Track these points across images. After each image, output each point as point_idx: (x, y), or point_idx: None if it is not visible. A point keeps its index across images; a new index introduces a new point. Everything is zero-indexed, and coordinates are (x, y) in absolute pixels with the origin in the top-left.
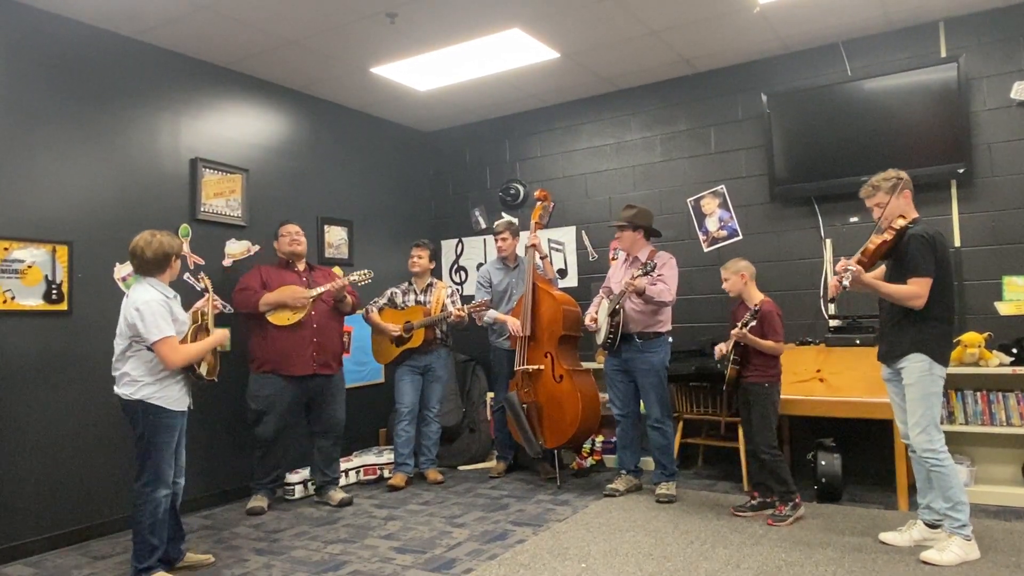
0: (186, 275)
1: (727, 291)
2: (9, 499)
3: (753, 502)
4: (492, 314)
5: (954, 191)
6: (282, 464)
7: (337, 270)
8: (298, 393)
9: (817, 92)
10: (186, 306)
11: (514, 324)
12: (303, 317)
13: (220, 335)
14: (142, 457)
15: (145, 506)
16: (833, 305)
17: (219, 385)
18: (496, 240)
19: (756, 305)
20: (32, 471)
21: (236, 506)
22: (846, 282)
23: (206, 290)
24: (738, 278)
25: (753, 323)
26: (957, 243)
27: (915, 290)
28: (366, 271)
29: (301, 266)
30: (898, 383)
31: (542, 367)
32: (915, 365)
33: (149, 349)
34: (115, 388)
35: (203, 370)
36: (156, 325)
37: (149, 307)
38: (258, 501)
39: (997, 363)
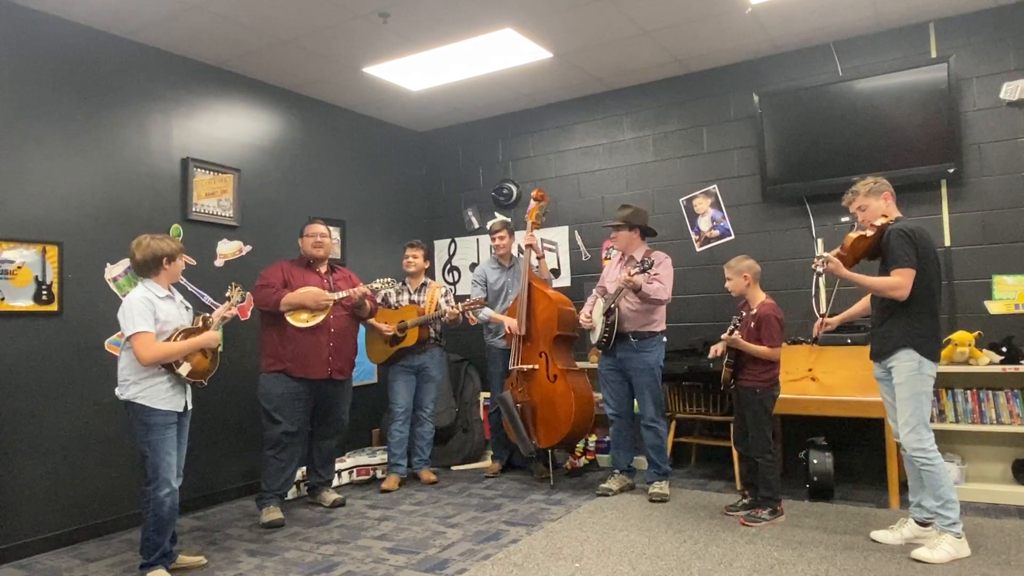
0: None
1: (729, 290)
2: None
3: (744, 501)
4: (487, 312)
5: (944, 191)
6: (293, 468)
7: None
8: (309, 396)
9: (808, 92)
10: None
11: (511, 323)
12: (322, 321)
13: (204, 338)
14: (141, 457)
15: (148, 505)
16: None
17: (211, 387)
18: (493, 239)
19: (741, 311)
20: (23, 473)
21: (228, 507)
22: (820, 269)
23: (228, 298)
24: (740, 279)
25: (737, 330)
26: (947, 242)
27: (897, 280)
28: (389, 279)
29: (323, 267)
30: (890, 382)
31: (536, 367)
32: (904, 364)
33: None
34: (116, 389)
35: (183, 370)
36: (131, 320)
37: (130, 303)
38: (273, 513)
39: (987, 362)
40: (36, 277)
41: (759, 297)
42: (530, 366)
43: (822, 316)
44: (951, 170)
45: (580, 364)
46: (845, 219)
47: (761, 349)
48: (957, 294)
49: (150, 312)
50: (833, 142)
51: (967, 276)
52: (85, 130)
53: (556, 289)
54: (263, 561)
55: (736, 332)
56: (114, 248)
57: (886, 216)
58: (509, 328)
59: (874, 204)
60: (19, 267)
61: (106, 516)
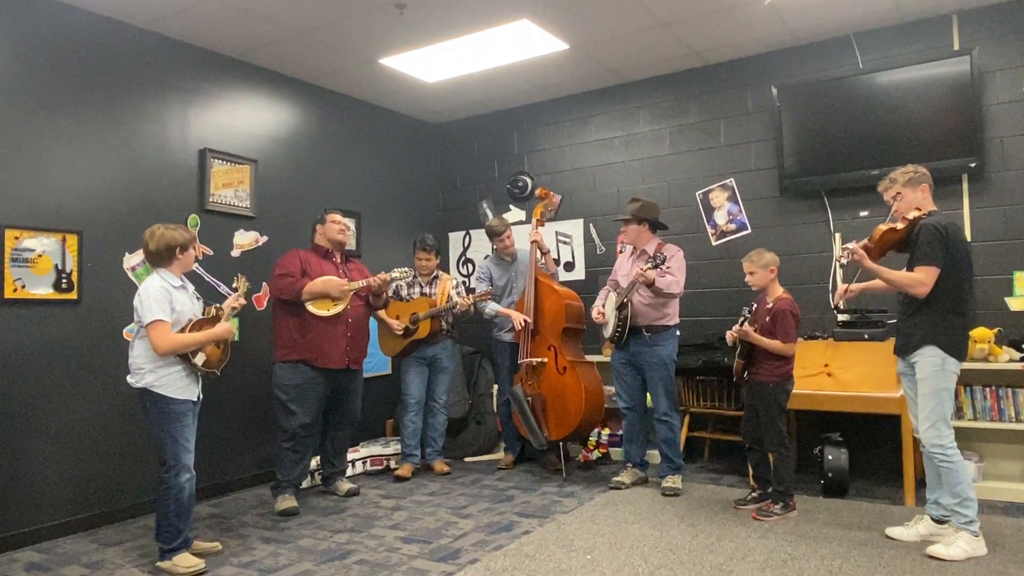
0: (205, 275)
1: (751, 285)
2: (19, 485)
3: (754, 494)
4: (493, 307)
5: (965, 185)
6: (308, 459)
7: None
8: (325, 386)
9: (828, 85)
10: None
11: (518, 317)
12: (341, 310)
13: (219, 330)
14: (159, 445)
15: (169, 492)
16: (842, 305)
17: (226, 375)
18: (504, 240)
19: (754, 303)
20: (42, 458)
21: (244, 494)
22: (844, 261)
23: (235, 289)
24: (767, 272)
25: (748, 321)
26: (968, 238)
27: (919, 277)
28: (407, 269)
29: (338, 257)
30: (912, 377)
31: (546, 360)
32: (927, 360)
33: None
34: (128, 377)
35: (198, 360)
36: (149, 308)
37: (147, 291)
38: (288, 501)
39: (1007, 359)
40: (56, 265)
41: (777, 291)
42: (539, 359)
43: (845, 285)
44: (972, 164)
45: (594, 358)
46: (864, 213)
47: (773, 343)
48: (977, 290)
49: (167, 301)
50: (852, 136)
51: (988, 272)
52: (104, 120)
53: (570, 282)
54: (277, 548)
55: (747, 324)
56: (133, 237)
57: (920, 209)
58: (517, 323)
59: (910, 195)
60: (39, 255)
61: (123, 502)
